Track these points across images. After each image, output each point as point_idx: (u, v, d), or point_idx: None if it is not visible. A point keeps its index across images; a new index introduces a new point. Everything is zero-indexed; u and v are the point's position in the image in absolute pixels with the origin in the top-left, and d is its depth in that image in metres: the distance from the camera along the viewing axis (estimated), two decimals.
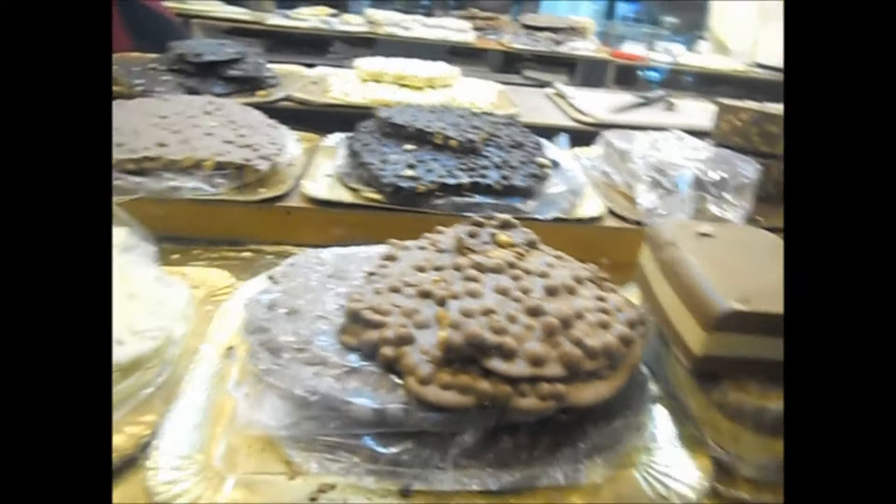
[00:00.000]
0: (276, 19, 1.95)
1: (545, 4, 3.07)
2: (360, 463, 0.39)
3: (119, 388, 0.42)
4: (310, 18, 1.94)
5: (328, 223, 0.72)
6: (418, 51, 1.96)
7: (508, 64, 2.21)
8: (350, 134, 0.86)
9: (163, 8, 1.52)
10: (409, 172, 0.72)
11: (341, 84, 1.04)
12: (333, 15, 2.01)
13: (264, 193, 0.71)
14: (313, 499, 0.38)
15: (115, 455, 0.38)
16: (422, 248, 0.55)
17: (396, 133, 0.81)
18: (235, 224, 0.70)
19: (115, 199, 0.64)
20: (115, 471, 0.38)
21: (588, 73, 2.06)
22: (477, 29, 2.14)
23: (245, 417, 0.41)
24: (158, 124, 0.77)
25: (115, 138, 0.71)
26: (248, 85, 0.99)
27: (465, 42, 1.99)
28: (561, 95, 1.26)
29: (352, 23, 1.98)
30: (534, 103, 1.22)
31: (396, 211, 0.71)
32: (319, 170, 0.79)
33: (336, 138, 0.90)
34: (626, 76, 2.05)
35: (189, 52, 0.96)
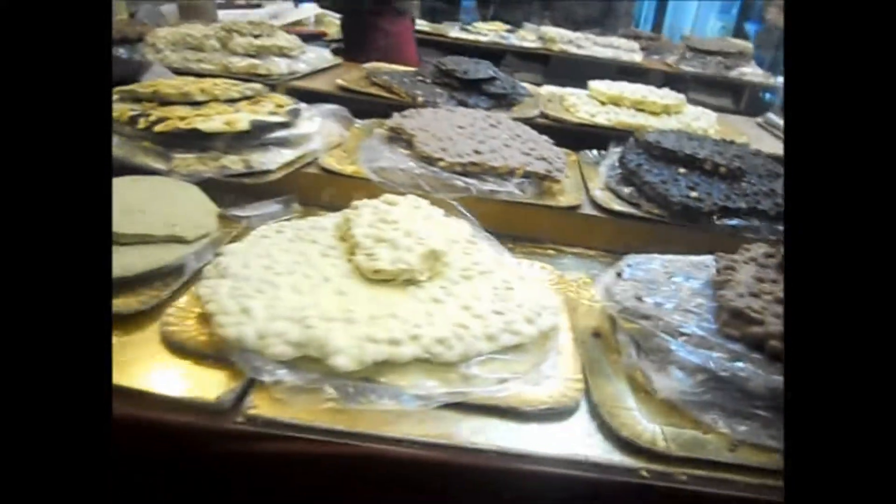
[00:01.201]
0: (456, 32, 2.10)
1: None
2: (759, 429, 0.49)
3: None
4: (489, 33, 2.07)
5: (617, 232, 0.82)
6: (588, 68, 2.06)
7: (669, 85, 2.26)
8: (614, 151, 0.97)
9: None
10: (694, 194, 0.81)
11: (582, 105, 1.15)
12: (510, 31, 2.13)
13: (563, 201, 0.83)
14: (731, 450, 0.48)
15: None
16: (745, 262, 0.65)
17: (664, 156, 0.90)
18: (538, 225, 0.82)
19: (452, 195, 0.78)
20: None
21: (753, 98, 2.07)
22: (641, 49, 2.20)
23: (663, 385, 0.52)
24: (462, 133, 0.90)
25: (437, 142, 0.85)
26: (504, 100, 1.11)
27: (634, 62, 2.06)
28: (772, 125, 1.32)
29: (527, 39, 2.09)
30: (752, 133, 1.29)
31: (680, 227, 0.80)
32: (594, 183, 0.90)
33: (593, 155, 1.01)
34: None
35: (457, 69, 1.10)
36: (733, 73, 2.04)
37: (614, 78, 1.78)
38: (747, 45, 2.23)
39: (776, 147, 1.19)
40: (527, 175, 0.82)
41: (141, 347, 0.51)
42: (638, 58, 2.08)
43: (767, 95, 2.11)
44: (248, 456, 0.45)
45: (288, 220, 0.75)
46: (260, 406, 0.46)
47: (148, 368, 0.48)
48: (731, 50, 2.08)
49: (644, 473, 0.46)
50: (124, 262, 0.56)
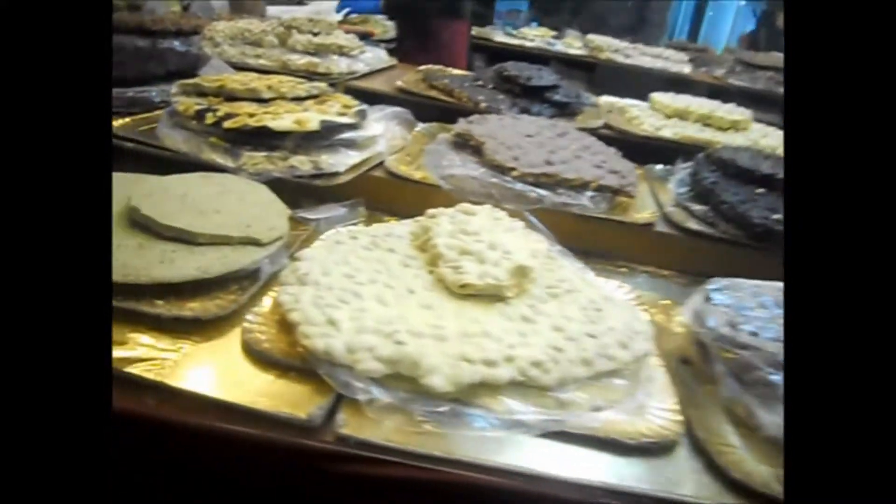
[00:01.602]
0: (501, 37, 2.07)
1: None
2: None
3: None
4: (535, 39, 2.04)
5: (691, 251, 0.79)
6: (634, 78, 2.02)
7: (713, 97, 2.22)
8: (682, 167, 0.93)
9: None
10: (775, 216, 0.77)
11: (646, 117, 1.12)
12: (555, 37, 2.10)
13: (637, 217, 0.80)
14: None
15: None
16: None
17: (740, 175, 0.87)
18: (610, 241, 0.79)
19: (524, 206, 0.75)
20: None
21: None
22: (689, 60, 2.16)
23: (770, 422, 0.48)
24: (531, 142, 0.87)
25: (508, 151, 0.82)
26: (566, 109, 1.09)
27: (683, 74, 2.01)
28: None
29: (573, 46, 2.06)
30: None
31: (758, 250, 0.77)
32: (665, 200, 0.87)
33: (659, 170, 0.98)
34: None
35: (520, 76, 1.07)
36: (782, 89, 1.98)
37: (661, 89, 1.73)
38: None
39: None
40: (600, 189, 0.79)
41: (221, 354, 0.49)
42: (687, 69, 2.03)
43: None
44: (338, 477, 0.42)
45: (355, 224, 0.73)
46: (351, 425, 0.43)
47: (231, 378, 0.46)
48: (781, 65, 2.02)
49: None
50: (201, 263, 0.54)
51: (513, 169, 0.78)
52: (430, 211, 0.67)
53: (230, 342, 0.50)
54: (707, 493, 0.43)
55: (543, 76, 1.10)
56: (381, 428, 0.43)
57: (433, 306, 0.53)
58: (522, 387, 0.47)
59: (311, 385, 0.46)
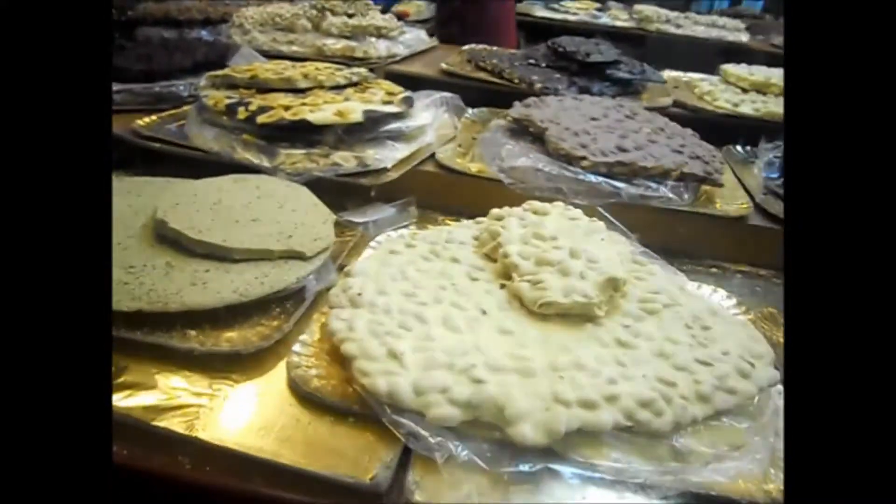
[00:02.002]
0: (542, 11, 1.95)
1: None
2: None
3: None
4: (578, 12, 1.92)
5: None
6: (688, 49, 1.88)
7: (771, 66, 2.06)
8: (767, 147, 0.82)
9: None
10: None
11: (719, 92, 1.00)
12: (599, 9, 1.97)
13: (727, 209, 0.69)
14: None
15: None
16: None
17: None
18: (695, 237, 0.69)
19: (598, 202, 0.66)
20: None
21: None
22: (746, 28, 2.00)
23: None
24: (599, 126, 0.77)
25: (574, 138, 0.72)
26: (629, 87, 0.98)
27: (741, 42, 1.86)
28: None
29: (620, 18, 1.93)
30: None
31: None
32: (753, 186, 0.76)
33: (740, 152, 0.87)
34: None
35: (577, 51, 0.97)
36: None
37: (719, 61, 1.59)
38: None
39: None
40: (682, 177, 0.69)
41: (265, 396, 0.41)
42: (744, 38, 1.88)
43: None
44: None
45: (406, 226, 0.65)
46: (424, 488, 0.35)
47: (278, 428, 0.38)
48: None
49: None
50: (239, 284, 0.47)
51: (583, 158, 0.68)
52: (495, 211, 0.59)
53: (275, 379, 0.43)
54: None
55: (603, 51, 0.99)
56: (460, 492, 0.35)
57: (512, 331, 0.44)
58: (628, 433, 0.39)
59: (373, 434, 0.38)
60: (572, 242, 0.52)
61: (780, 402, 0.45)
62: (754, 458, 0.39)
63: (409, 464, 0.37)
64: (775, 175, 0.78)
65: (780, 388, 0.45)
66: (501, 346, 0.42)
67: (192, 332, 0.44)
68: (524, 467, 0.36)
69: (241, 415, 0.39)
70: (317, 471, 0.35)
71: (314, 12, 1.06)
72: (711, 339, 0.46)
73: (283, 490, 0.35)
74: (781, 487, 0.37)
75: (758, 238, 0.69)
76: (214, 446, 0.36)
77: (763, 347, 0.47)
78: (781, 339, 0.54)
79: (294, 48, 1.02)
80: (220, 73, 0.78)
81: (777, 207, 0.70)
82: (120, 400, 0.39)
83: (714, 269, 0.67)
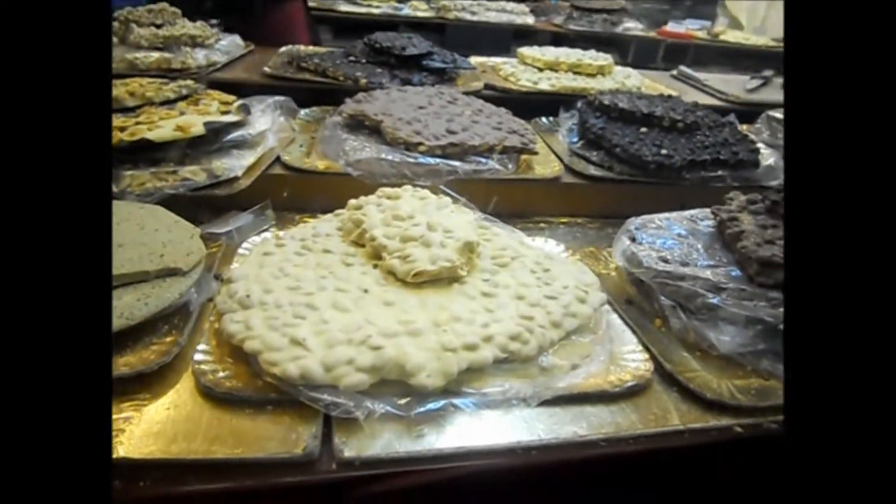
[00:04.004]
0: (346, 6, 2.00)
1: None
2: None
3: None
4: (381, 5, 1.99)
5: (594, 196, 0.83)
6: (483, 34, 2.05)
7: (556, 44, 2.32)
8: (565, 117, 0.97)
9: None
10: (664, 151, 0.83)
11: (520, 73, 1.14)
12: (401, 1, 2.06)
13: (544, 172, 0.82)
14: None
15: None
16: (739, 212, 0.68)
17: (622, 117, 0.92)
18: (521, 199, 0.81)
19: (439, 180, 0.74)
20: None
21: (640, 53, 2.19)
22: (530, 11, 2.23)
23: (722, 342, 0.53)
24: (427, 113, 0.85)
25: (408, 126, 0.80)
26: (445, 75, 1.07)
27: (528, 24, 2.08)
28: (686, 77, 1.39)
29: (420, 9, 2.04)
30: (675, 86, 1.35)
31: (652, 185, 0.83)
32: (560, 150, 0.90)
33: (544, 122, 1.01)
34: (674, 55, 2.19)
35: (394, 46, 1.03)
36: (619, 29, 2.13)
37: (513, 42, 1.78)
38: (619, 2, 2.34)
39: (701, 98, 1.25)
40: (505, 150, 0.80)
41: (181, 407, 0.43)
42: (530, 20, 2.10)
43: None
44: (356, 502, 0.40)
45: (266, 230, 0.68)
46: (350, 445, 0.41)
47: (204, 430, 0.41)
48: (613, 7, 2.17)
49: (738, 429, 0.47)
50: (122, 309, 0.47)
51: (419, 144, 0.76)
52: (353, 201, 0.64)
53: (183, 390, 0.44)
54: (692, 418, 0.47)
55: (416, 43, 1.07)
56: (381, 440, 0.41)
57: (393, 302, 0.51)
58: (504, 362, 0.48)
59: (291, 415, 0.43)
60: (427, 218, 0.59)
61: (611, 318, 0.57)
62: (598, 362, 0.50)
63: (332, 431, 0.42)
64: (575, 139, 0.92)
65: (607, 306, 0.58)
66: (388, 315, 0.49)
67: None
68: (432, 406, 0.43)
69: (161, 428, 0.41)
70: (252, 456, 0.39)
71: (116, 24, 1.00)
72: (552, 278, 0.57)
73: (224, 482, 0.38)
74: (620, 377, 0.49)
75: (571, 193, 0.83)
76: (146, 461, 0.38)
77: (591, 278, 0.59)
78: (603, 271, 0.67)
79: None
80: None
81: (580, 166, 0.85)
82: None
83: (542, 224, 0.80)
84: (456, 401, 0.44)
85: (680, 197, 0.81)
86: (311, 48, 1.21)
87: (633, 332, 0.56)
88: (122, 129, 0.65)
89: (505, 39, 2.05)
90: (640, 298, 0.62)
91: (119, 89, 0.72)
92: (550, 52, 1.20)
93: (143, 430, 0.40)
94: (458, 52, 1.25)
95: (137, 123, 0.67)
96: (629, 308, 0.61)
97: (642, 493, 0.48)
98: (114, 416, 0.41)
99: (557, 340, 0.50)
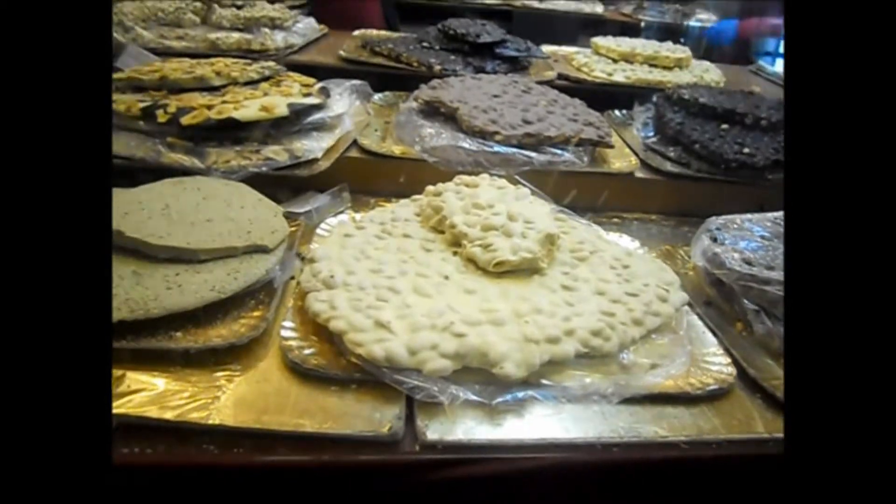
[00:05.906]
0: None
1: None
2: None
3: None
4: None
5: (671, 193, 0.81)
6: (552, 23, 2.02)
7: (624, 34, 2.27)
8: (640, 110, 0.95)
9: None
10: (746, 150, 0.80)
11: (594, 63, 1.11)
12: None
13: (619, 166, 0.80)
14: None
15: None
16: None
17: (702, 112, 0.89)
18: (596, 193, 0.79)
19: (514, 171, 0.74)
20: None
21: (711, 45, 2.11)
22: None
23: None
24: (502, 102, 0.85)
25: (484, 115, 0.79)
26: (518, 63, 1.06)
27: (597, 13, 2.03)
28: (766, 73, 1.34)
29: None
30: (755, 81, 1.30)
31: (732, 184, 0.80)
32: (635, 145, 0.88)
33: (618, 115, 0.99)
34: (745, 49, 2.10)
35: (468, 33, 1.03)
36: (692, 21, 2.06)
37: (581, 31, 1.74)
38: None
39: (782, 95, 1.20)
40: (581, 143, 0.79)
41: (269, 381, 0.44)
42: (599, 9, 2.06)
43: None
44: (434, 486, 0.40)
45: (342, 212, 0.69)
46: (434, 429, 0.41)
47: (293, 404, 0.42)
48: None
49: None
50: (214, 282, 0.49)
51: (496, 133, 0.75)
52: (431, 188, 0.64)
53: (271, 364, 0.46)
54: (777, 426, 0.45)
55: (490, 31, 1.06)
56: (462, 426, 0.42)
57: (475, 290, 0.51)
58: (584, 357, 0.47)
59: (375, 396, 0.43)
60: (507, 207, 0.59)
61: (691, 318, 0.56)
62: (680, 363, 0.49)
63: (414, 413, 0.42)
64: (651, 134, 0.90)
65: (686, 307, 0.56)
66: (470, 303, 0.49)
67: (178, 334, 0.46)
68: (513, 396, 0.43)
69: (252, 399, 0.42)
70: (340, 432, 0.40)
71: (199, 4, 1.03)
72: (633, 275, 0.56)
73: (312, 455, 0.39)
74: (702, 380, 0.48)
75: (645, 188, 0.81)
76: (239, 429, 0.40)
77: (671, 276, 0.57)
78: (680, 270, 0.66)
79: (185, 44, 0.99)
80: (121, 75, 0.75)
81: (656, 161, 0.82)
82: (129, 406, 0.40)
83: (616, 219, 0.78)
84: (536, 393, 0.44)
85: (759, 198, 0.78)
86: (384, 33, 1.22)
87: (714, 334, 0.54)
88: (209, 108, 0.67)
89: (572, 29, 2.00)
90: (720, 300, 0.60)
91: (205, 68, 0.74)
92: (626, 43, 1.17)
93: (235, 400, 0.42)
94: (526, 41, 1.24)
95: (224, 102, 0.69)
96: (708, 310, 0.59)
97: (720, 500, 0.47)
98: (207, 386, 0.43)
99: (638, 338, 0.49)
